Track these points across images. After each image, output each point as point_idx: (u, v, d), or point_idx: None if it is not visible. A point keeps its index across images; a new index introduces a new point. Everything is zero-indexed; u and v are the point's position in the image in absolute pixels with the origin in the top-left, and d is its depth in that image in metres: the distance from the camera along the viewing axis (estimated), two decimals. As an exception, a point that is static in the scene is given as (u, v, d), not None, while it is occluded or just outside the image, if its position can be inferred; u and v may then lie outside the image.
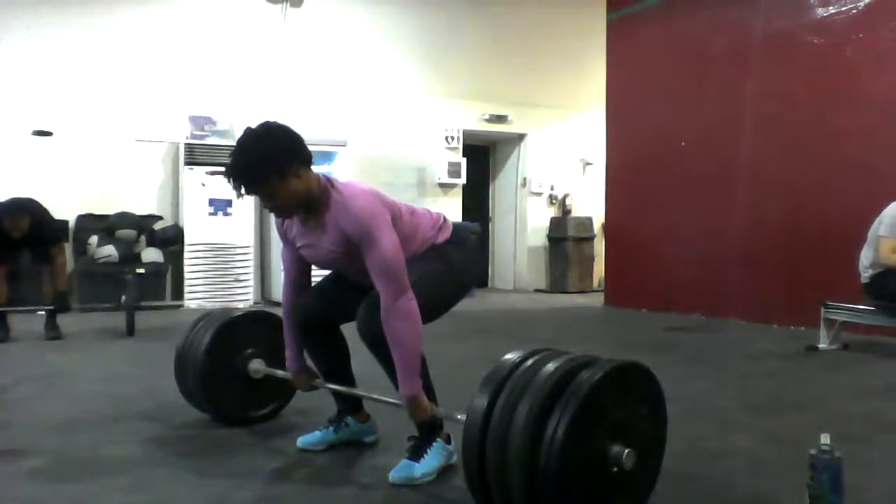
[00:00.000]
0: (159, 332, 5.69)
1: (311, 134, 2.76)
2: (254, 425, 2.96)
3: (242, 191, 2.24)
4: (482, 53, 9.64)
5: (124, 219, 7.61)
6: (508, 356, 1.98)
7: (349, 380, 2.67)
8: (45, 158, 7.57)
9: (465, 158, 9.65)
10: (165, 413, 3.17)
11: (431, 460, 2.35)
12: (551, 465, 1.72)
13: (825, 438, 1.87)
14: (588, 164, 10.33)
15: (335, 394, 2.69)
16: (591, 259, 9.96)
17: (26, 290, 5.63)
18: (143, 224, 7.73)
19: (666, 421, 2.05)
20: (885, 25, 5.71)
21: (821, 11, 6.17)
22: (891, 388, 3.98)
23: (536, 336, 6.06)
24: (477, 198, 10.38)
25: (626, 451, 1.79)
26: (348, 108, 8.81)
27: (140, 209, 7.87)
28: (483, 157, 10.56)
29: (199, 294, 7.67)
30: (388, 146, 9.21)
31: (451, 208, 9.42)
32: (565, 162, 10.31)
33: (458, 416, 2.08)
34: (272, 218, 2.61)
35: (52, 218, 5.52)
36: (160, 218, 8.01)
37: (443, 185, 9.57)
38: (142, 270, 6.87)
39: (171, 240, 7.71)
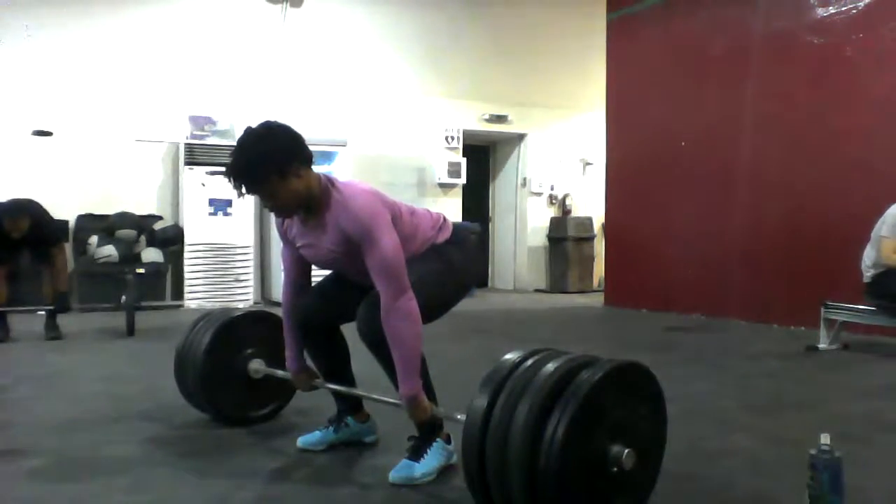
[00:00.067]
0: (159, 332, 5.69)
1: (311, 134, 2.75)
2: (254, 425, 2.95)
3: (243, 190, 2.24)
4: (482, 53, 9.63)
5: (124, 219, 7.61)
6: (508, 356, 1.98)
7: (349, 380, 2.67)
8: (45, 158, 7.57)
9: (465, 158, 9.65)
10: (165, 413, 3.16)
11: (431, 460, 2.35)
12: (551, 465, 1.72)
13: (825, 438, 1.87)
14: (588, 164, 10.33)
15: (335, 394, 2.69)
16: (591, 259, 9.96)
17: (26, 291, 5.65)
18: (143, 224, 7.73)
19: (666, 421, 2.05)
20: (885, 25, 5.71)
21: (821, 11, 6.17)
22: (891, 388, 3.98)
23: (536, 336, 6.06)
24: (477, 198, 10.37)
25: (626, 451, 1.79)
26: (348, 108, 8.81)
27: (140, 209, 7.87)
28: (483, 157, 10.56)
29: (199, 294, 7.67)
30: (388, 146, 9.21)
31: (451, 208, 9.42)
32: (565, 162, 10.31)
33: (458, 416, 2.08)
34: (272, 218, 2.60)
35: (51, 218, 5.53)
36: (160, 218, 8.01)
37: (443, 185, 9.57)
38: (142, 270, 6.86)
39: (171, 240, 7.71)
